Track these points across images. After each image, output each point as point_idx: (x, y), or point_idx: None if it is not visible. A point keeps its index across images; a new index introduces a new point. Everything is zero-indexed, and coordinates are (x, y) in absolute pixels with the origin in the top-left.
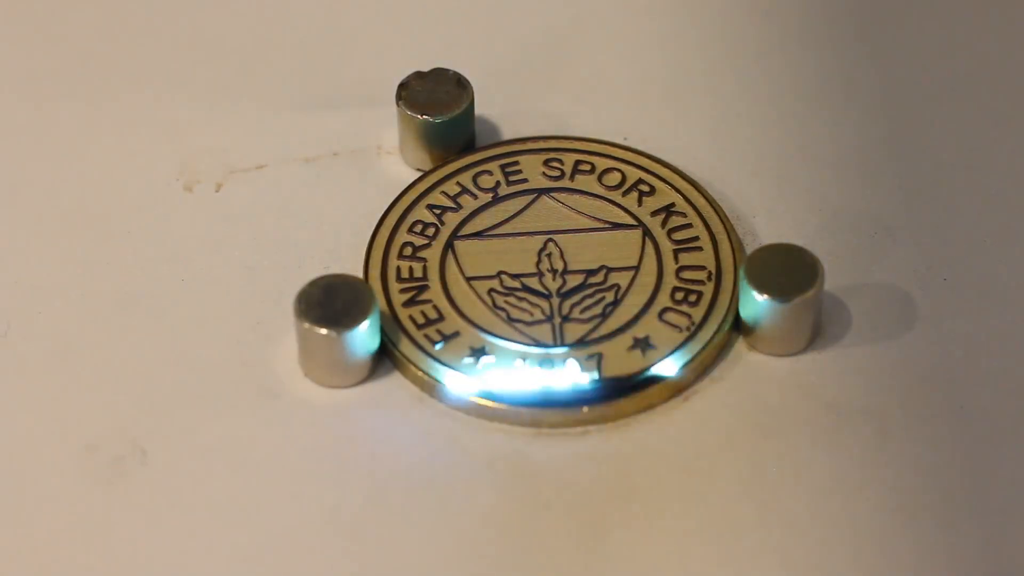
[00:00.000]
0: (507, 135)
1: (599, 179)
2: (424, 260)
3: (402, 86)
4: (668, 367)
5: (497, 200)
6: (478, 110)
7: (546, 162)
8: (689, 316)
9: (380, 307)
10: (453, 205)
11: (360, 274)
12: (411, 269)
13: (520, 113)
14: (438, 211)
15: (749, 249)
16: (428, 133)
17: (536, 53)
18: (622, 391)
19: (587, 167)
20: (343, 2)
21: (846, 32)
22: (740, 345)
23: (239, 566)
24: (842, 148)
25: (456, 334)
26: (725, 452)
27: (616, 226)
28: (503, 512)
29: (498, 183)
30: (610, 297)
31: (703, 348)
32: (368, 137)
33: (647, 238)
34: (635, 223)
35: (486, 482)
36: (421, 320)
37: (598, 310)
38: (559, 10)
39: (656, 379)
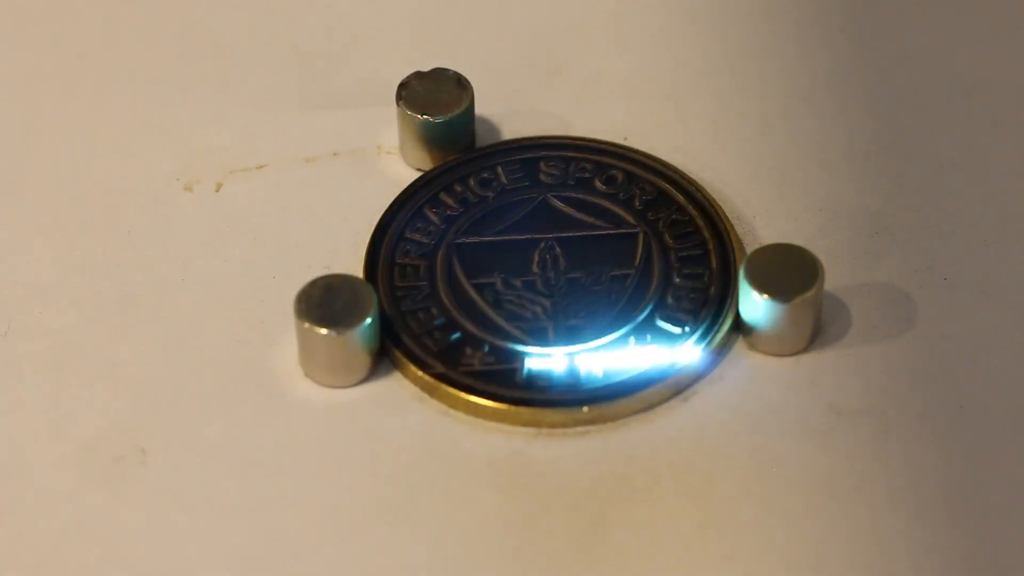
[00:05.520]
0: (507, 135)
1: (599, 179)
2: (424, 260)
3: (402, 86)
4: (668, 367)
5: (497, 200)
6: (478, 110)
7: (546, 162)
8: (689, 316)
9: (380, 307)
10: (453, 205)
11: (360, 274)
12: (411, 269)
13: (520, 113)
14: (438, 211)
15: (749, 249)
16: (428, 133)
17: (536, 53)
18: (622, 391)
19: (587, 167)
20: (343, 2)
21: (846, 32)
22: (740, 345)
23: (239, 566)
24: (842, 148)
25: (456, 334)
26: (725, 452)
27: (616, 226)
28: (503, 512)
29: (498, 183)
30: (610, 297)
31: (703, 348)
32: (368, 137)
33: (647, 238)
34: (635, 223)
35: (486, 482)
36: (421, 320)
37: (598, 310)
38: (559, 10)
39: (656, 379)
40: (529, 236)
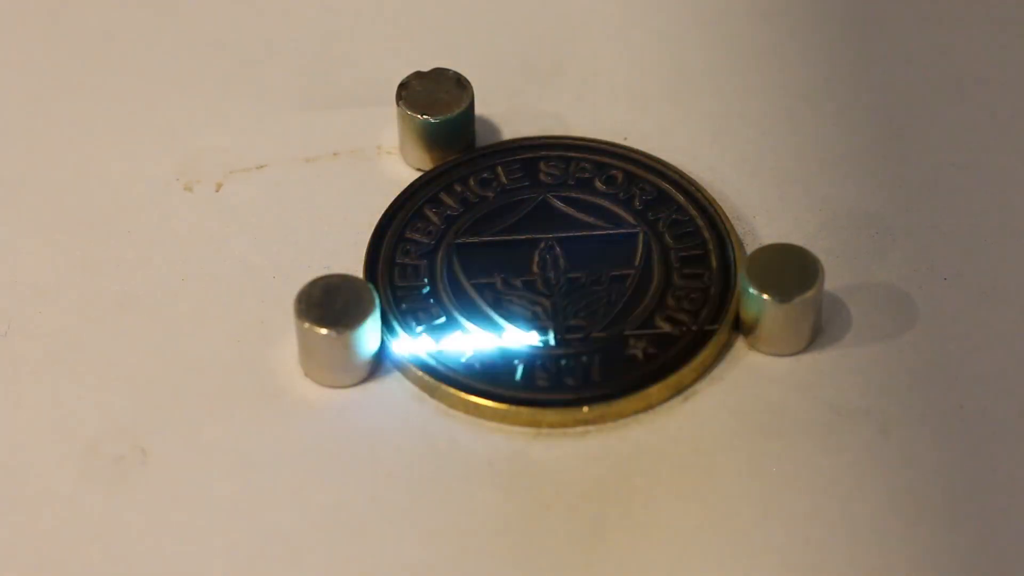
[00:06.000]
0: (507, 135)
1: (599, 179)
2: (424, 260)
3: (402, 86)
4: (668, 367)
5: (497, 200)
6: (478, 110)
7: (546, 162)
8: (689, 316)
9: (380, 307)
10: (453, 205)
11: (360, 274)
12: (411, 269)
13: (520, 113)
14: (438, 211)
15: (749, 249)
16: (428, 133)
17: (536, 53)
18: (622, 391)
19: (587, 167)
20: (343, 2)
21: (846, 32)
22: (740, 345)
23: (239, 566)
24: (842, 148)
25: (456, 334)
26: (725, 452)
27: (616, 226)
28: (503, 512)
29: (498, 183)
30: (610, 297)
31: (703, 348)
32: (368, 137)
33: (647, 238)
34: (635, 223)
35: (486, 482)
36: (421, 320)
37: (598, 310)
38: (559, 10)
39: (656, 379)
40: (529, 236)
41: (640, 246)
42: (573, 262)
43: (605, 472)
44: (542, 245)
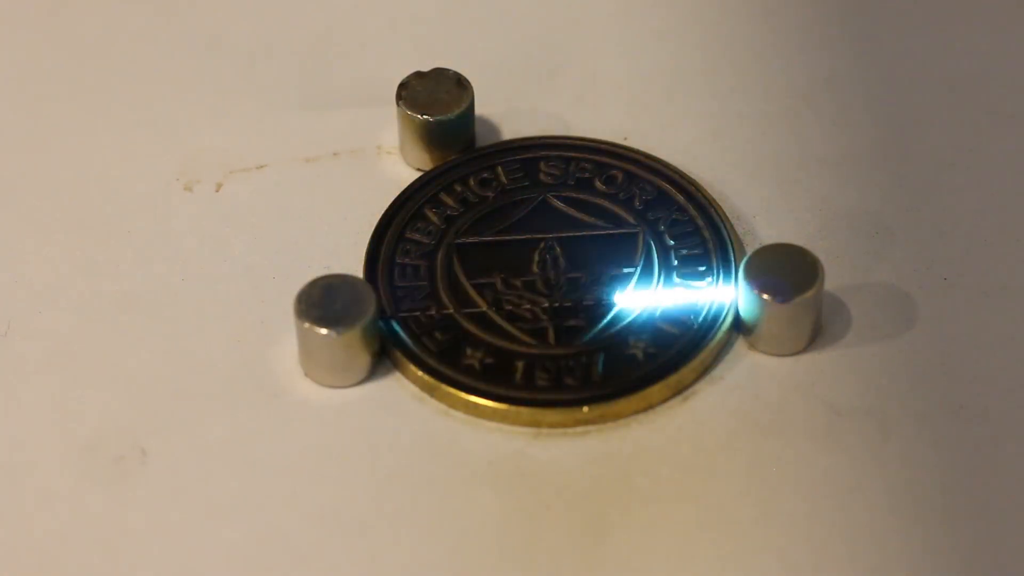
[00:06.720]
0: (507, 135)
1: (599, 179)
2: (424, 260)
3: (402, 86)
4: (668, 367)
5: (497, 200)
6: (478, 110)
7: (546, 162)
8: (689, 316)
9: (380, 307)
10: (453, 205)
11: (360, 274)
12: (411, 269)
13: (520, 113)
14: (438, 211)
15: (749, 249)
16: (428, 133)
17: (536, 53)
18: (622, 391)
19: (587, 167)
20: (343, 2)
21: (846, 32)
22: (740, 345)
23: (239, 566)
24: (842, 148)
25: (456, 334)
26: (725, 452)
27: (616, 226)
28: (503, 512)
29: (498, 183)
30: (610, 297)
31: (703, 348)
32: (368, 137)
33: (647, 238)
34: (635, 223)
35: (486, 482)
36: (421, 320)
37: (598, 310)
38: (559, 10)
39: (656, 379)
40: (529, 236)
41: (640, 246)
42: (573, 262)
43: (605, 472)
44: (542, 245)
